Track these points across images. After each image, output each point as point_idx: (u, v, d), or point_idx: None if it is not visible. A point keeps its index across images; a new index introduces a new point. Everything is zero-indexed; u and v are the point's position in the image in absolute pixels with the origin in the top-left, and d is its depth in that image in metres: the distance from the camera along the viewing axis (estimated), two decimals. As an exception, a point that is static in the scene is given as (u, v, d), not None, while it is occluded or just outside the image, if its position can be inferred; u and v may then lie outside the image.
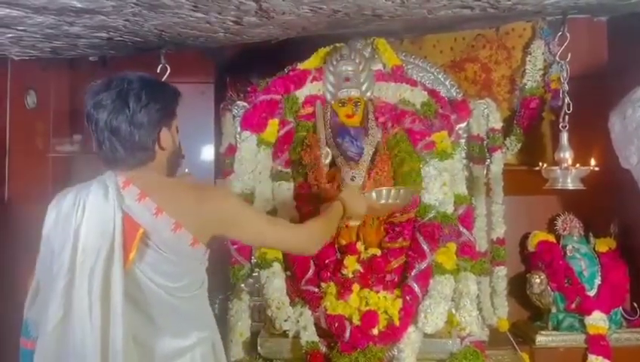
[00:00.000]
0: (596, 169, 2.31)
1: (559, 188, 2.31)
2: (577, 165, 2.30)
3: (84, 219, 1.45)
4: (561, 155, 2.32)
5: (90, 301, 1.38)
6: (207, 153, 2.94)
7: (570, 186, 2.29)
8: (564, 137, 2.34)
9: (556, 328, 2.52)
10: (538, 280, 2.50)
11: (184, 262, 1.51)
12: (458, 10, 2.07)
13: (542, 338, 2.48)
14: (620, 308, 2.55)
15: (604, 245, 2.60)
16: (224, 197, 1.60)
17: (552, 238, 2.64)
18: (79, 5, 1.72)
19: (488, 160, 2.52)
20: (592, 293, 2.51)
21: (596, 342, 2.40)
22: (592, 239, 2.64)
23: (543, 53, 2.68)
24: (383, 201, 2.06)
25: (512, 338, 2.43)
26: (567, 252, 2.59)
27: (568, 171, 2.29)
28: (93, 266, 1.40)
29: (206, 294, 1.62)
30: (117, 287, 1.39)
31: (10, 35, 2.04)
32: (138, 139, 1.47)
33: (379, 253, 2.32)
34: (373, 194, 2.06)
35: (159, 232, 1.46)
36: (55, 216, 1.50)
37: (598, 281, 2.54)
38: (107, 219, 1.44)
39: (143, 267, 1.46)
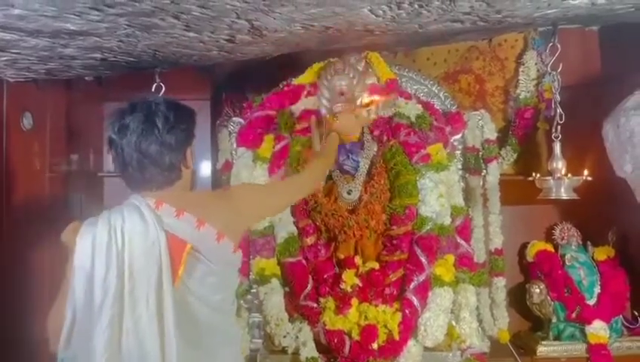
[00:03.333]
0: (589, 179, 2.30)
1: (553, 198, 2.30)
2: (569, 175, 2.30)
3: (125, 245, 1.43)
4: (554, 165, 2.31)
5: (148, 327, 1.38)
6: (204, 169, 2.95)
7: (563, 196, 2.28)
8: (557, 147, 2.34)
9: (557, 338, 2.51)
10: (538, 290, 2.50)
11: (226, 270, 1.55)
12: (449, 25, 2.08)
13: (543, 349, 2.47)
14: (621, 316, 2.54)
15: (603, 253, 2.60)
16: (242, 185, 1.97)
17: (550, 248, 2.64)
18: (73, 28, 1.73)
19: (484, 170, 2.52)
20: (591, 302, 2.51)
21: (597, 352, 2.40)
22: (590, 248, 2.64)
23: (535, 64, 2.69)
24: None
25: (513, 349, 2.43)
26: (566, 261, 2.59)
27: (561, 181, 2.28)
28: (147, 291, 1.40)
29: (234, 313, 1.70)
30: (169, 307, 1.40)
31: (4, 58, 2.04)
32: (168, 159, 1.51)
33: (377, 266, 2.31)
34: None
35: (204, 243, 1.48)
36: (90, 247, 1.44)
37: (597, 290, 2.54)
38: (150, 242, 1.43)
39: (192, 282, 1.46)
